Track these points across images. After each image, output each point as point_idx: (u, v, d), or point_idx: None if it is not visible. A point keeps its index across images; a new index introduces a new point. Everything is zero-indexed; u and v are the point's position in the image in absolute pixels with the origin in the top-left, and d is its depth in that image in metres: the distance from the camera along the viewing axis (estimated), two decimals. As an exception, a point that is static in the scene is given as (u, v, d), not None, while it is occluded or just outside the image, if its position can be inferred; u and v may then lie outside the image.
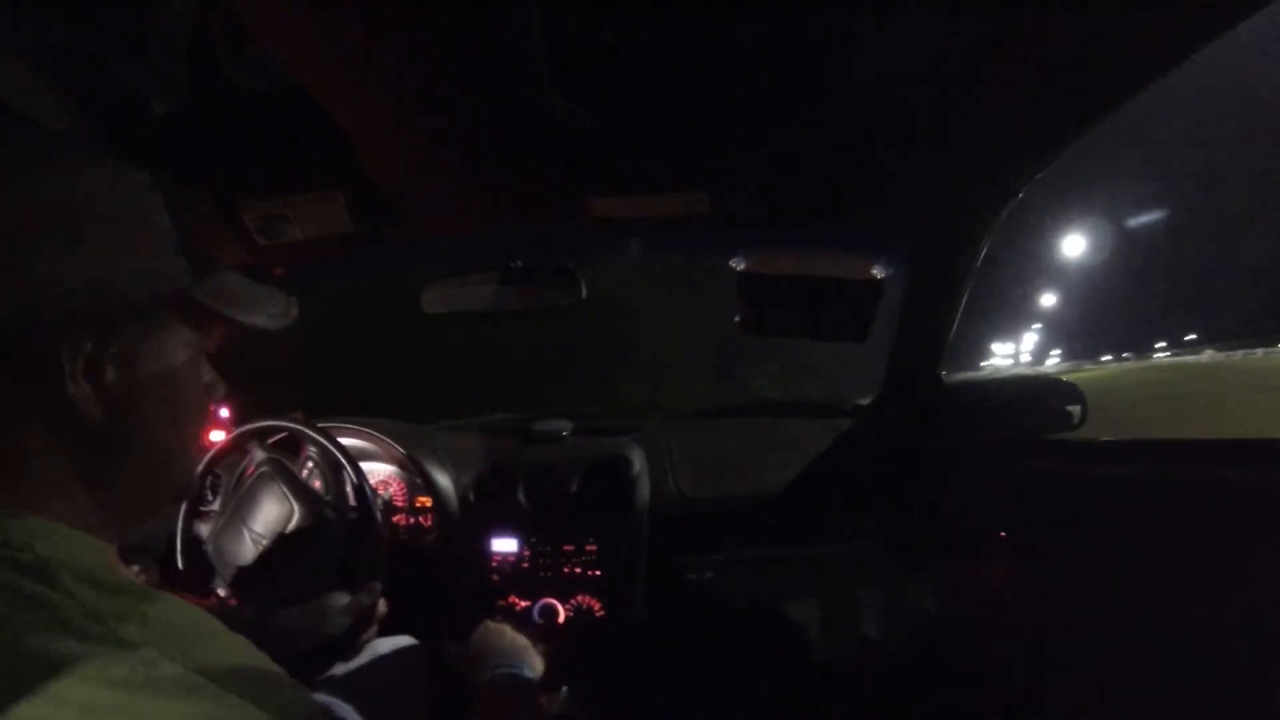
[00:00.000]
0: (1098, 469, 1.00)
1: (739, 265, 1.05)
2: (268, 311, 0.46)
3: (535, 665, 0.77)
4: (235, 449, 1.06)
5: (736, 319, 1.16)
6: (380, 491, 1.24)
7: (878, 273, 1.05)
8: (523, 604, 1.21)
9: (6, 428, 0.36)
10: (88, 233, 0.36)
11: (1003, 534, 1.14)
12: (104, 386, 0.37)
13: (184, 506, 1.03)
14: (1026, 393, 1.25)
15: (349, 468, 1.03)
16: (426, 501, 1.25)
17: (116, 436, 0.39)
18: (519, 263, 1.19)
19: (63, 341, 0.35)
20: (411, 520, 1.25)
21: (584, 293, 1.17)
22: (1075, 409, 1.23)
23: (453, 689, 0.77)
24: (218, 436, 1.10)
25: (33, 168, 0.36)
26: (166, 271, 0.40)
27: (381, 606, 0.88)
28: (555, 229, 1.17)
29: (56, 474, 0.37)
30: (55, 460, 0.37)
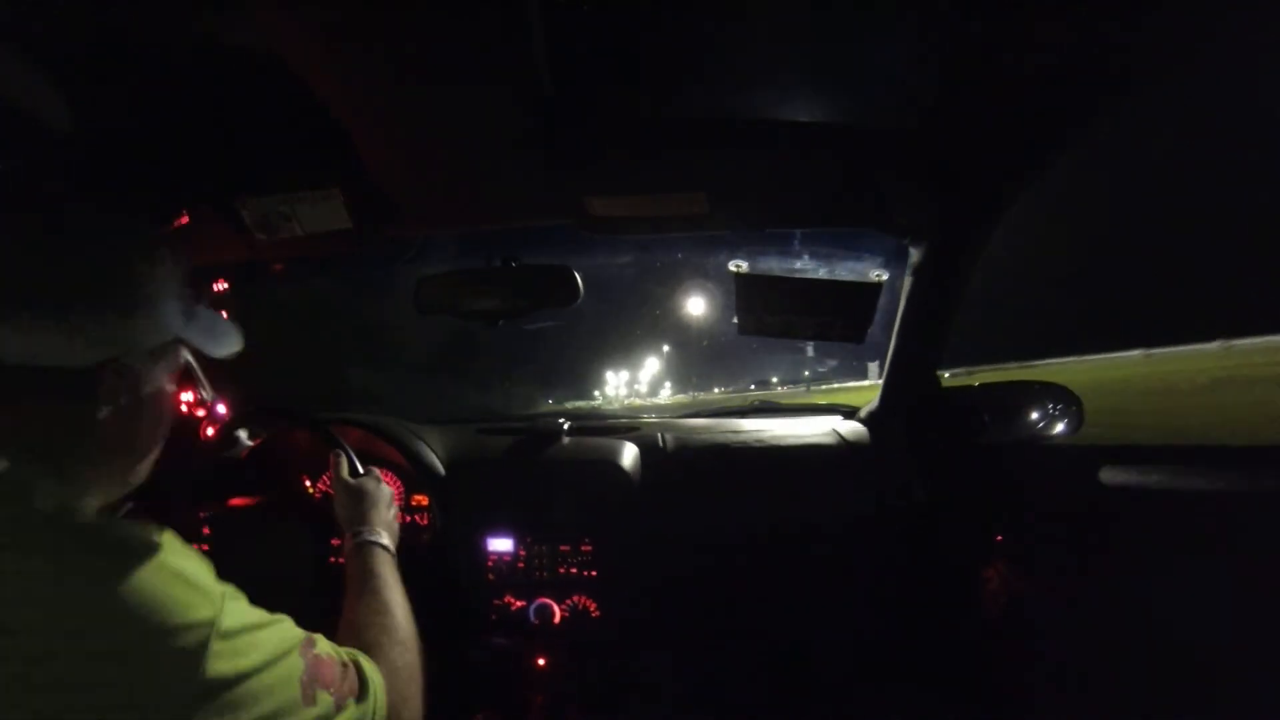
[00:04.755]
0: (1095, 472, 1.00)
1: (737, 266, 1.05)
2: (226, 346, 0.59)
3: (394, 536, 0.88)
4: (230, 438, 1.06)
5: (735, 321, 1.16)
6: None
7: (876, 276, 1.05)
8: (518, 604, 1.21)
9: (41, 426, 0.47)
10: (123, 298, 0.48)
11: (1000, 538, 1.14)
12: (119, 406, 0.49)
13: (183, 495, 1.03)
14: (1024, 397, 1.25)
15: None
16: (423, 500, 1.25)
17: (118, 436, 0.51)
18: (517, 263, 1.19)
19: (101, 375, 0.47)
20: (407, 518, 1.24)
21: (582, 292, 1.17)
22: (1073, 414, 1.23)
23: (451, 687, 0.77)
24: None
25: (84, 246, 0.47)
26: (168, 323, 0.52)
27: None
28: (555, 229, 1.17)
29: (66, 460, 0.48)
30: (66, 448, 0.48)
